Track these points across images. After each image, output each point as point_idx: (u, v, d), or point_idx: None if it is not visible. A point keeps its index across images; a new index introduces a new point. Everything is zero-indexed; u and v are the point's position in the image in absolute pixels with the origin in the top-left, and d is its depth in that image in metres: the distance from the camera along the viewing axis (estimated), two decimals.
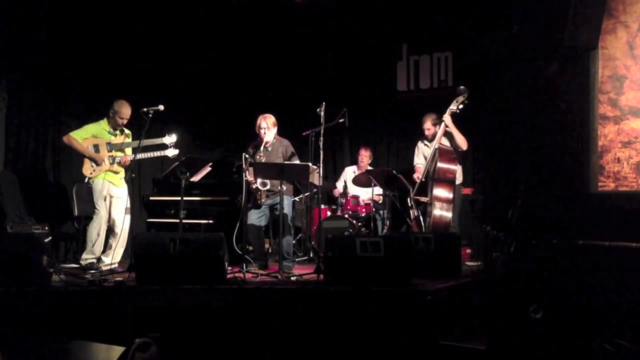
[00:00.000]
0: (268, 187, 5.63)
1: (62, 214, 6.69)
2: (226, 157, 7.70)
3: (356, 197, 7.19)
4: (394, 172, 6.51)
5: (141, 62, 7.43)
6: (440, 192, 5.99)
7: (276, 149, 5.86)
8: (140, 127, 5.42)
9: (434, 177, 6.05)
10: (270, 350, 4.12)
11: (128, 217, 5.87)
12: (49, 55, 6.81)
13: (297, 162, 5.79)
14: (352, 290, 4.31)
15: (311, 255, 6.61)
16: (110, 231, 5.78)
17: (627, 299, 3.41)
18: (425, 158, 6.49)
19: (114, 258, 5.71)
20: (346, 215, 6.96)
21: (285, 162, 5.62)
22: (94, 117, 5.99)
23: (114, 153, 5.76)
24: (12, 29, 6.49)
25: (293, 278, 5.05)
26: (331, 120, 6.05)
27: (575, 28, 6.35)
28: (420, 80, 8.01)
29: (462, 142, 6.20)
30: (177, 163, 5.39)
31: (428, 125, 6.46)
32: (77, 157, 5.94)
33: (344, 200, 7.23)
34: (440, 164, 6.00)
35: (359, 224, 6.98)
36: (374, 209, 6.85)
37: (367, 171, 7.01)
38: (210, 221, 6.39)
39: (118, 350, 2.21)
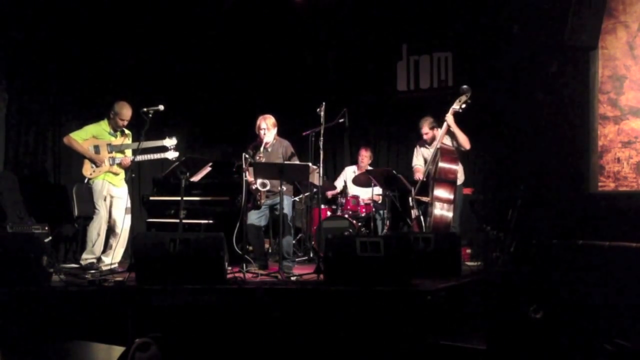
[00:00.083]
0: (268, 187, 5.63)
1: (62, 214, 6.69)
2: (226, 157, 7.71)
3: (356, 197, 7.19)
4: (394, 172, 6.51)
5: (141, 62, 7.43)
6: (442, 192, 5.98)
7: (276, 150, 5.86)
8: (140, 128, 5.42)
9: (435, 177, 6.03)
10: (270, 350, 4.11)
11: (128, 217, 5.88)
12: (49, 56, 6.81)
13: (297, 162, 5.80)
14: (352, 290, 4.31)
15: (311, 255, 6.61)
16: (111, 231, 5.79)
17: (627, 299, 3.40)
18: (425, 160, 6.48)
19: (114, 258, 5.71)
20: (346, 215, 6.96)
21: (285, 162, 5.62)
22: (94, 118, 5.99)
23: (114, 154, 5.76)
24: (12, 29, 6.49)
25: (293, 278, 5.05)
26: (331, 120, 6.05)
27: (575, 28, 6.35)
28: (420, 80, 8.01)
29: (464, 141, 6.19)
30: (177, 163, 5.39)
31: (425, 130, 6.44)
32: (77, 158, 5.94)
33: (344, 200, 7.23)
34: (441, 164, 5.98)
35: (359, 224, 6.98)
36: (374, 209, 6.85)
37: (367, 171, 7.01)
38: (210, 221, 6.39)
39: (118, 350, 2.21)
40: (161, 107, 5.37)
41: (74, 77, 7.01)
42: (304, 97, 7.72)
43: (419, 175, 6.43)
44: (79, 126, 5.86)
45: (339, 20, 8.23)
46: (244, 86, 8.17)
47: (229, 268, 4.85)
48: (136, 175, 6.59)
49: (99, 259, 5.70)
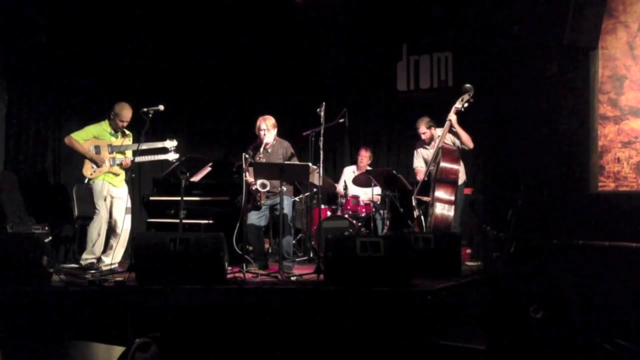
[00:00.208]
0: (268, 188, 5.63)
1: (62, 214, 6.69)
2: (226, 157, 7.71)
3: (356, 197, 7.19)
4: (394, 172, 6.51)
5: (141, 62, 7.44)
6: (443, 192, 5.96)
7: (276, 150, 5.86)
8: (140, 128, 5.42)
9: (436, 177, 6.02)
10: (270, 350, 4.11)
11: (129, 217, 5.88)
12: (49, 56, 6.81)
13: (297, 162, 5.80)
14: (352, 290, 4.31)
15: (311, 255, 6.61)
16: (112, 231, 5.79)
17: (627, 298, 3.41)
18: (426, 161, 6.47)
19: (114, 258, 5.71)
20: (346, 215, 6.96)
21: (285, 162, 5.62)
22: (94, 118, 5.99)
23: (115, 155, 5.76)
24: (12, 30, 6.49)
25: (293, 278, 5.04)
26: (331, 120, 6.05)
27: (575, 28, 6.36)
28: (420, 80, 8.01)
29: (468, 140, 6.19)
30: (177, 163, 5.40)
31: (423, 130, 6.43)
32: (77, 158, 5.94)
33: (344, 200, 7.23)
34: (443, 164, 5.97)
35: (359, 224, 6.98)
36: (374, 209, 6.84)
37: (367, 171, 7.01)
38: (210, 221, 6.39)
39: (118, 350, 2.20)
40: (161, 107, 5.36)
41: (74, 77, 7.01)
42: (304, 97, 7.72)
43: (421, 177, 6.43)
44: (79, 126, 5.86)
45: (339, 20, 8.23)
46: (244, 86, 8.17)
47: (229, 268, 4.85)
48: (136, 176, 6.59)
49: (99, 259, 5.70)
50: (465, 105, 6.08)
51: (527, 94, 6.88)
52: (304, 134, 6.17)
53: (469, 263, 6.34)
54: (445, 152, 6.04)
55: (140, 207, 6.93)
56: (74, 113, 6.99)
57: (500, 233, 5.94)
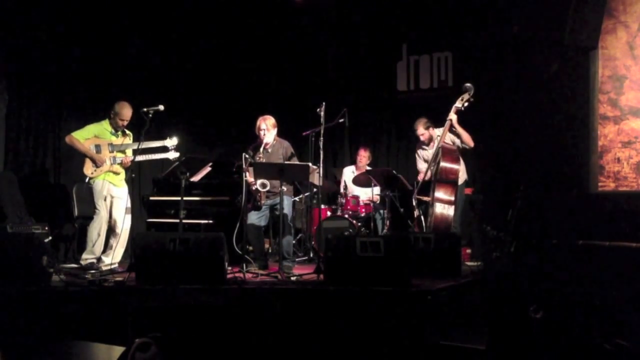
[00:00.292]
0: (268, 188, 5.63)
1: (62, 214, 6.69)
2: (226, 157, 7.70)
3: (356, 197, 7.19)
4: (394, 172, 6.50)
5: (141, 62, 7.43)
6: (443, 192, 5.95)
7: (276, 151, 5.86)
8: (140, 128, 5.42)
9: (436, 177, 6.02)
10: (270, 350, 4.11)
11: (129, 217, 5.88)
12: (50, 56, 6.81)
13: (297, 162, 5.80)
14: (352, 290, 4.31)
15: (311, 255, 6.61)
16: (111, 231, 5.79)
17: (627, 298, 3.41)
18: (426, 161, 6.47)
19: (114, 258, 5.71)
20: (346, 215, 6.96)
21: (285, 162, 5.62)
22: (94, 117, 5.99)
23: (115, 154, 5.76)
24: (12, 29, 6.49)
25: (293, 278, 5.05)
26: (331, 120, 6.05)
27: (575, 28, 6.36)
28: (420, 80, 8.02)
29: (468, 139, 6.19)
30: (177, 163, 5.40)
31: (421, 131, 6.43)
32: (77, 157, 5.95)
33: (344, 200, 7.23)
34: (443, 164, 5.96)
35: (359, 224, 6.98)
36: (374, 209, 6.84)
37: (367, 171, 7.01)
38: (210, 221, 6.39)
39: (118, 350, 2.21)
40: (161, 107, 5.37)
41: (74, 77, 7.01)
42: (304, 97, 7.72)
43: (421, 177, 6.42)
44: (79, 126, 5.86)
45: (339, 20, 8.23)
46: (244, 86, 8.17)
47: (229, 268, 4.85)
48: (136, 176, 6.59)
49: (99, 259, 5.70)
50: (466, 104, 6.09)
51: (527, 93, 6.88)
52: (304, 134, 6.17)
53: (469, 263, 6.33)
54: (445, 152, 6.03)
55: (140, 207, 6.93)
56: (74, 113, 6.99)
57: (500, 233, 5.94)
